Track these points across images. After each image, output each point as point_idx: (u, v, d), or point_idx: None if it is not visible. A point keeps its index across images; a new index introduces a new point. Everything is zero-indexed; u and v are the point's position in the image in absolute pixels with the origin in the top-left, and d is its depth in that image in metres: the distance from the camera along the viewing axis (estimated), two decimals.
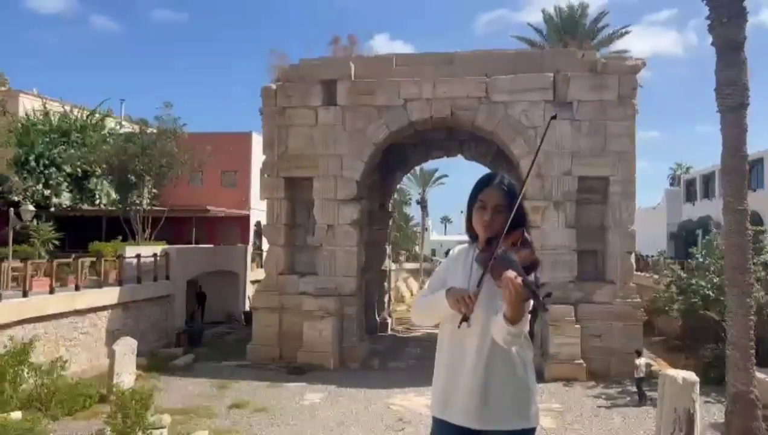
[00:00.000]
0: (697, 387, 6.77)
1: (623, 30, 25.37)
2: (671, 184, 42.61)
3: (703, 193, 30.39)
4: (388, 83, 14.32)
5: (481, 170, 22.04)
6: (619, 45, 25.46)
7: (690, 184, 32.72)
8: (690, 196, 32.03)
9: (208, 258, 19.95)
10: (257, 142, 23.89)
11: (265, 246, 19.50)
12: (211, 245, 22.15)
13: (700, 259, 13.84)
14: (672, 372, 6.86)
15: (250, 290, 21.87)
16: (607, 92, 13.76)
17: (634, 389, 11.42)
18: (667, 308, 14.44)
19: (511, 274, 2.05)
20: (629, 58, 14.23)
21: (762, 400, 7.98)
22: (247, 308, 20.35)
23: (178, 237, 21.55)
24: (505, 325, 2.15)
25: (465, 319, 2.26)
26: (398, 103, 14.26)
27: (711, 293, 12.63)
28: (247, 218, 26.87)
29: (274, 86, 15.06)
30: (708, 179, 29.74)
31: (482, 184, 2.48)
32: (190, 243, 22.05)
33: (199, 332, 17.25)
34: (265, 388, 11.72)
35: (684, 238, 28.59)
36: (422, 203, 44.03)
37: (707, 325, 13.42)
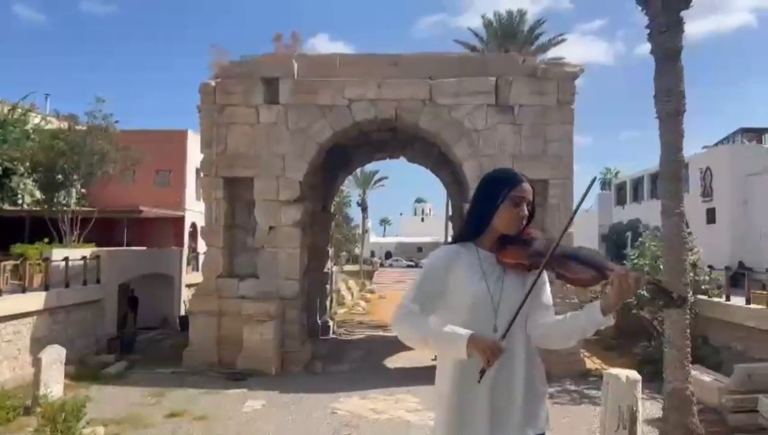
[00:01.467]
0: (640, 385, 6.95)
1: (559, 38, 26.19)
2: (602, 188, 44.24)
3: (632, 196, 31.72)
4: (333, 83, 14.13)
5: (423, 172, 22.21)
6: (555, 52, 26.22)
7: (620, 188, 34.11)
8: (620, 200, 33.38)
9: (141, 261, 19.15)
10: (193, 140, 23.18)
11: (202, 248, 18.93)
12: (144, 247, 21.28)
13: (635, 260, 14.34)
14: (616, 371, 7.02)
15: (185, 294, 21.18)
16: (547, 97, 14.06)
17: (574, 388, 11.71)
18: None
19: (622, 269, 2.15)
20: (568, 64, 14.59)
21: (697, 397, 8.29)
22: (183, 313, 19.68)
23: (108, 239, 20.60)
24: (601, 318, 2.19)
25: (483, 372, 2.10)
26: (343, 103, 14.11)
27: (645, 293, 13.05)
28: (181, 219, 26.01)
29: (213, 83, 14.60)
30: (637, 183, 31.07)
31: (514, 180, 2.38)
32: (122, 245, 21.12)
33: (131, 338, 16.51)
34: (203, 396, 11.30)
35: (614, 240, 29.68)
36: (362, 205, 44.07)
37: (641, 324, 13.92)
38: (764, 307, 11.68)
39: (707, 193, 22.27)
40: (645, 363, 12.16)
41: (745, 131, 27.03)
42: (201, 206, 15.92)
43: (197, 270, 21.59)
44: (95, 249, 16.79)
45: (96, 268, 15.63)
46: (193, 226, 26.09)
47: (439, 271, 2.31)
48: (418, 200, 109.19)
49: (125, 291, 18.38)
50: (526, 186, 2.37)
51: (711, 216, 22.08)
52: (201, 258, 19.71)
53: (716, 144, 26.19)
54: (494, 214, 2.34)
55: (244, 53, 15.04)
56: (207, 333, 13.98)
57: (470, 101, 13.97)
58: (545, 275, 2.38)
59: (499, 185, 2.36)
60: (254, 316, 13.51)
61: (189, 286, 21.14)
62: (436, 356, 2.40)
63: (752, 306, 12.15)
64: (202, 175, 14.91)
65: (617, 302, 2.18)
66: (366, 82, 14.03)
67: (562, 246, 2.26)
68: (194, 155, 20.68)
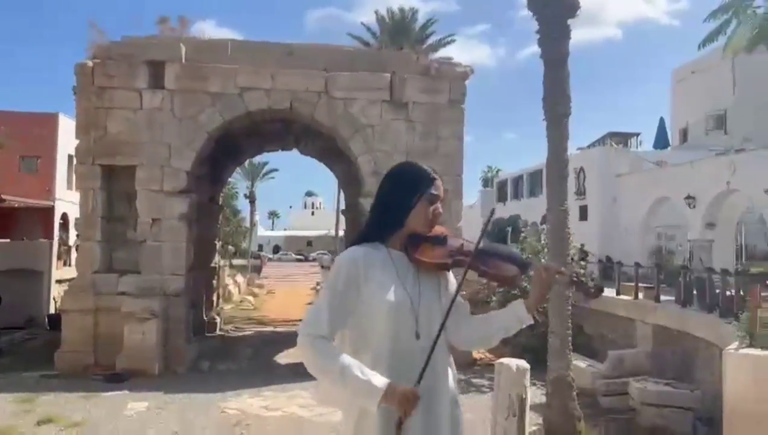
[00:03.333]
0: (528, 374, 7.24)
1: (449, 38, 26.93)
2: (484, 186, 46.24)
3: (512, 194, 33.39)
4: (224, 70, 13.59)
5: (313, 165, 22.02)
6: (444, 52, 26.93)
7: (502, 185, 35.81)
8: (501, 197, 35.02)
9: (3, 254, 17.48)
10: (66, 125, 21.52)
11: (74, 241, 17.59)
12: (7, 240, 19.44)
13: None
14: (506, 360, 7.26)
15: (55, 291, 19.60)
16: (439, 96, 14.37)
17: (462, 377, 12.15)
18: (488, 300, 15.52)
19: (551, 264, 2.22)
20: (459, 64, 14.98)
21: (577, 383, 8.84)
22: (53, 311, 18.19)
23: None
24: (526, 315, 2.18)
25: (400, 423, 1.95)
26: (234, 92, 13.61)
27: (527, 285, 13.77)
28: (51, 210, 24.09)
29: (91, 63, 13.54)
30: (517, 182, 32.73)
31: (429, 177, 2.26)
32: None
33: None
34: (79, 400, 10.47)
35: (496, 235, 31.11)
36: (251, 197, 42.95)
37: None
38: (632, 297, 12.71)
39: (581, 191, 23.88)
40: (527, 351, 12.81)
41: (613, 135, 29.33)
42: (74, 196, 14.79)
43: (69, 264, 20.08)
44: None
45: None
46: (64, 217, 24.23)
47: (351, 279, 2.09)
48: (309, 193, 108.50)
49: None
50: (440, 183, 2.27)
51: (584, 213, 23.72)
52: (74, 252, 18.36)
53: (588, 146, 28.14)
54: (409, 213, 2.19)
55: (126, 34, 14.04)
56: (82, 332, 12.99)
57: (365, 96, 13.98)
58: (452, 276, 2.33)
59: (413, 182, 2.22)
60: (136, 314, 12.73)
61: (60, 281, 19.57)
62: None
63: (622, 297, 13.18)
64: (76, 162, 13.81)
65: (542, 298, 2.20)
66: (259, 71, 13.62)
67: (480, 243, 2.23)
68: (67, 141, 19.18)
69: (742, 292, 9.65)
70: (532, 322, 2.21)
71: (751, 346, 6.28)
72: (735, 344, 6.48)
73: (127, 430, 9.03)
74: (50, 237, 22.58)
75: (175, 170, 13.56)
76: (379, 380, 1.93)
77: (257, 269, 41.17)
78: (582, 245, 19.09)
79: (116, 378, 11.92)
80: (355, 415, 2.06)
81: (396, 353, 2.08)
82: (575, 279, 2.21)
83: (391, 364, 2.08)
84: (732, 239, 19.69)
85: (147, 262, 13.43)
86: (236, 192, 43.69)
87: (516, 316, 2.21)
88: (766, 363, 5.88)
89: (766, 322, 6.63)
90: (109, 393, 10.98)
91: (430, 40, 25.98)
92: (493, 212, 2.52)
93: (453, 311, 2.16)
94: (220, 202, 20.11)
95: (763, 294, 7.64)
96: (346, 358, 1.98)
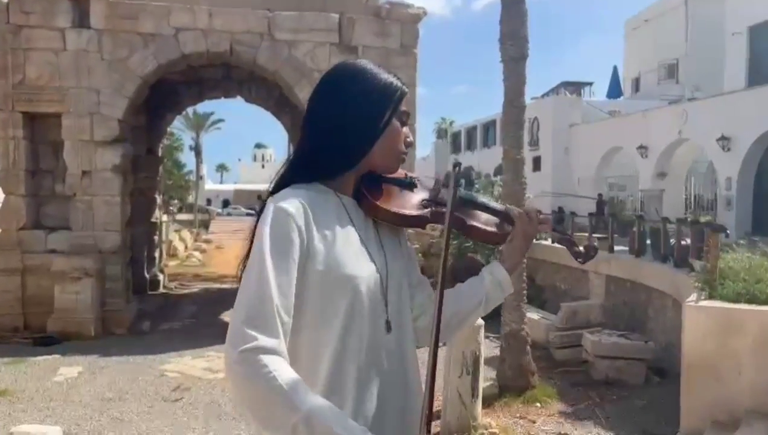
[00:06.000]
0: (483, 330, 6.94)
1: None
2: (438, 137, 45.81)
3: (466, 145, 33.10)
4: (155, 8, 12.47)
5: (263, 116, 21.05)
6: None
7: (455, 136, 35.45)
8: (455, 148, 34.70)
9: None
10: None
11: None
12: None
13: None
14: None
15: None
16: (391, 39, 13.64)
17: None
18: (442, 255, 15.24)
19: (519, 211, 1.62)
20: (411, 6, 14.22)
21: (531, 336, 8.62)
22: None
23: None
24: (508, 282, 1.57)
25: None
26: (168, 32, 12.53)
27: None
28: None
29: None
30: (471, 133, 32.40)
31: (399, 87, 1.50)
32: None
33: None
34: (5, 366, 9.74)
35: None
36: (196, 149, 41.35)
37: (475, 267, 14.44)
38: None
39: (534, 141, 23.69)
40: None
41: (566, 85, 29.13)
42: None
43: None
44: None
45: None
46: None
47: (297, 244, 1.30)
48: (258, 145, 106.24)
49: None
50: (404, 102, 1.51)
51: (537, 164, 23.61)
52: None
53: (542, 96, 27.90)
54: (377, 140, 1.43)
55: None
56: (8, 293, 12.13)
57: (312, 38, 13.12)
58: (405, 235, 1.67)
59: (382, 93, 1.44)
60: (67, 273, 11.92)
61: None
62: None
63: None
64: None
65: (524, 254, 1.60)
66: (195, 10, 12.56)
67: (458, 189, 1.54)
68: None
69: (695, 242, 9.52)
70: (513, 289, 1.59)
71: (710, 297, 6.04)
72: (694, 296, 6.23)
73: (59, 396, 8.38)
74: None
75: (106, 118, 12.53)
76: (355, 428, 1.19)
77: (205, 224, 40.02)
78: (600, 195, 18.69)
79: (46, 341, 11.18)
80: None
81: (365, 359, 1.36)
82: (566, 235, 1.68)
83: (359, 379, 1.36)
84: (682, 189, 19.89)
85: (78, 217, 12.52)
86: (181, 143, 42.00)
87: (497, 283, 1.56)
88: (727, 316, 5.64)
89: (725, 273, 6.42)
90: (40, 358, 10.25)
91: None
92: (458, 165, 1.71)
93: (416, 286, 1.56)
94: (160, 154, 19.02)
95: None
96: (310, 399, 1.19)
